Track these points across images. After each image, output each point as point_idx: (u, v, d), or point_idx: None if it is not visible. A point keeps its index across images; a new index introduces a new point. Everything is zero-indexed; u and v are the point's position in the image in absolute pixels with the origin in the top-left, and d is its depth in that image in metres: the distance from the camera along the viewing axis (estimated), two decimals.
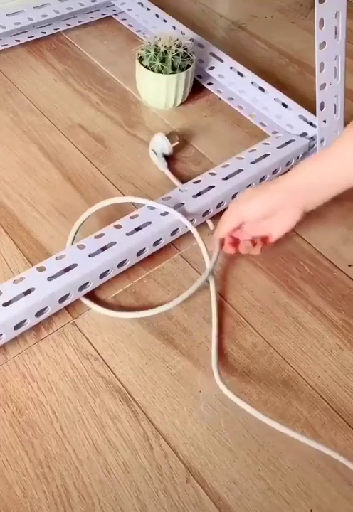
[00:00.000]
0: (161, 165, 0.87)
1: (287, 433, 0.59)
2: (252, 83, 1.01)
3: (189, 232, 0.77)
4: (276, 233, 0.69)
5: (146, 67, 0.95)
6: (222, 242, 0.73)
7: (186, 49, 0.95)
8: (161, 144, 0.88)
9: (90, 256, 0.68)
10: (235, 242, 0.72)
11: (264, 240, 0.71)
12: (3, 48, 1.07)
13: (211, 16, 1.28)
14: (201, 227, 0.79)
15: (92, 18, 1.18)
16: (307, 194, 0.65)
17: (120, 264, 0.71)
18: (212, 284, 0.72)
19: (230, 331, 0.69)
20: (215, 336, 0.67)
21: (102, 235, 0.71)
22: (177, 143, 0.89)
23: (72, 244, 0.73)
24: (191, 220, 0.76)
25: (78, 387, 0.63)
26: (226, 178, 0.81)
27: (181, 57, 0.94)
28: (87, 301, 0.70)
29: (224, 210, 0.81)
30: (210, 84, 1.04)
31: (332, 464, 0.59)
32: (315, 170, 0.63)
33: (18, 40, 1.09)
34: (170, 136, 0.89)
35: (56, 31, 1.13)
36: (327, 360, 0.68)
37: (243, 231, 0.71)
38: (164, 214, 0.74)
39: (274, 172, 0.86)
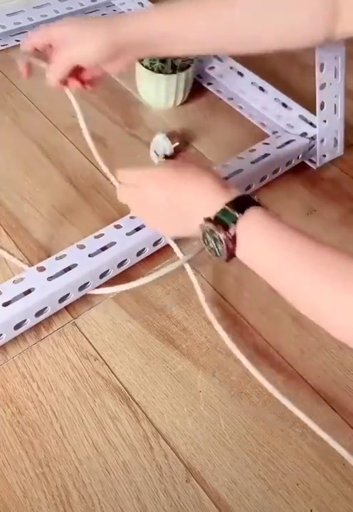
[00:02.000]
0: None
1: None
2: (252, 83, 1.00)
3: None
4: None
5: (146, 67, 0.94)
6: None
7: None
8: (162, 145, 0.88)
9: (90, 256, 0.68)
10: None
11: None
12: (3, 47, 1.07)
13: None
14: None
15: None
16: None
17: (120, 264, 0.71)
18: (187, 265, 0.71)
19: (230, 331, 0.69)
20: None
21: (102, 235, 0.71)
22: (178, 143, 0.89)
23: None
24: None
25: (78, 387, 0.63)
26: (226, 178, 0.80)
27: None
28: (103, 290, 0.70)
29: None
30: (210, 84, 1.04)
31: (332, 464, 0.59)
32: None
33: (18, 40, 1.09)
34: (171, 136, 0.89)
35: None
36: (327, 360, 0.68)
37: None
38: None
39: (274, 172, 0.86)
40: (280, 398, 0.62)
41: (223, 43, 0.66)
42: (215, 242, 0.50)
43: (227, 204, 0.49)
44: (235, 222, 0.48)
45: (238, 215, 0.48)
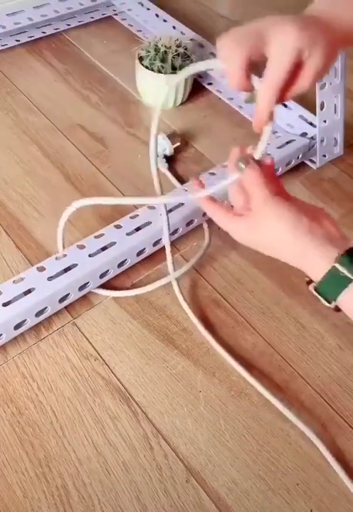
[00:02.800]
0: (162, 166, 0.86)
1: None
2: None
3: (189, 232, 0.77)
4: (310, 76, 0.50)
5: (146, 67, 0.95)
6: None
7: (186, 49, 0.95)
8: (162, 145, 0.88)
9: (90, 256, 0.68)
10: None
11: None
12: (3, 47, 1.07)
13: (211, 16, 1.28)
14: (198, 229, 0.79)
15: (92, 18, 1.18)
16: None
17: (120, 264, 0.71)
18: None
19: (230, 331, 0.69)
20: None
21: (102, 235, 0.71)
22: (178, 144, 0.89)
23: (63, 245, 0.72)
24: (191, 221, 0.76)
25: (78, 387, 0.63)
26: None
27: (181, 57, 0.94)
28: (102, 291, 0.71)
29: None
30: (210, 84, 1.04)
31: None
32: None
33: (18, 40, 1.09)
34: (171, 136, 0.89)
35: (56, 31, 1.13)
36: (327, 360, 0.68)
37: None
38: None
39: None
40: (272, 401, 0.62)
41: None
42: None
43: (316, 287, 0.48)
44: (335, 299, 0.48)
45: (333, 304, 0.48)
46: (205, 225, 0.80)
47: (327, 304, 0.49)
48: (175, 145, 0.88)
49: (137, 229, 0.72)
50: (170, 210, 0.75)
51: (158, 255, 0.76)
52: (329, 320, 0.71)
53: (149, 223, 0.73)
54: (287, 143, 0.88)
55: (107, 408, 0.62)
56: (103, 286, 0.71)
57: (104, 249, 0.69)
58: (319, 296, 0.49)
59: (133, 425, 0.61)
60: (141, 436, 0.60)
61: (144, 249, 0.73)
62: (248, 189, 0.52)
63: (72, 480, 0.56)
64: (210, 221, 0.80)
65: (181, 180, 0.86)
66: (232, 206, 0.55)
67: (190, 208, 0.75)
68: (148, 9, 1.19)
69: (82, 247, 0.69)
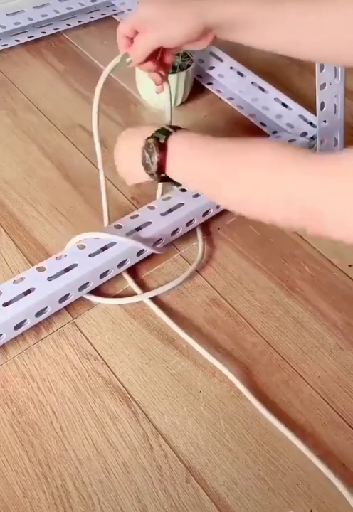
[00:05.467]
0: None
1: (287, 435, 0.59)
2: (252, 83, 1.00)
3: (190, 231, 0.77)
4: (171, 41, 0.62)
5: None
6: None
7: None
8: None
9: (90, 256, 0.68)
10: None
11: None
12: (3, 47, 1.07)
13: None
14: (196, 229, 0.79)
15: (92, 18, 1.18)
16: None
17: (120, 264, 0.71)
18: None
19: (230, 331, 0.69)
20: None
21: None
22: None
23: None
24: (191, 221, 0.76)
25: (78, 387, 0.63)
26: None
27: (181, 57, 0.94)
28: (91, 297, 0.70)
29: (224, 210, 0.82)
30: (210, 84, 1.04)
31: (332, 464, 0.59)
32: None
33: (18, 40, 1.09)
34: None
35: (56, 31, 1.13)
36: (327, 360, 0.68)
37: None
38: (165, 214, 0.74)
39: None
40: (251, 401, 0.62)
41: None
42: (150, 155, 0.57)
43: (162, 127, 0.57)
44: (166, 137, 0.56)
45: (170, 130, 0.56)
46: (199, 234, 0.79)
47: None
48: None
49: (137, 229, 0.72)
50: (170, 210, 0.75)
51: (158, 255, 0.76)
52: (329, 320, 0.71)
53: (149, 223, 0.73)
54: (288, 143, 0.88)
55: (107, 408, 0.62)
56: (101, 288, 0.71)
57: (104, 249, 0.69)
58: (164, 128, 0.57)
59: (133, 425, 0.61)
60: (141, 436, 0.60)
61: (144, 249, 0.73)
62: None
63: (72, 480, 0.57)
64: (204, 226, 0.80)
65: None
66: None
67: (190, 207, 0.75)
68: None
69: (82, 247, 0.69)
